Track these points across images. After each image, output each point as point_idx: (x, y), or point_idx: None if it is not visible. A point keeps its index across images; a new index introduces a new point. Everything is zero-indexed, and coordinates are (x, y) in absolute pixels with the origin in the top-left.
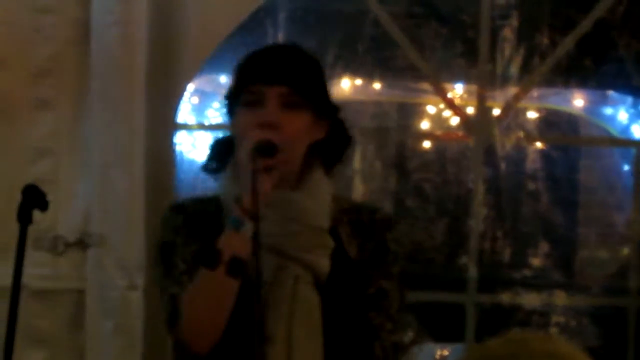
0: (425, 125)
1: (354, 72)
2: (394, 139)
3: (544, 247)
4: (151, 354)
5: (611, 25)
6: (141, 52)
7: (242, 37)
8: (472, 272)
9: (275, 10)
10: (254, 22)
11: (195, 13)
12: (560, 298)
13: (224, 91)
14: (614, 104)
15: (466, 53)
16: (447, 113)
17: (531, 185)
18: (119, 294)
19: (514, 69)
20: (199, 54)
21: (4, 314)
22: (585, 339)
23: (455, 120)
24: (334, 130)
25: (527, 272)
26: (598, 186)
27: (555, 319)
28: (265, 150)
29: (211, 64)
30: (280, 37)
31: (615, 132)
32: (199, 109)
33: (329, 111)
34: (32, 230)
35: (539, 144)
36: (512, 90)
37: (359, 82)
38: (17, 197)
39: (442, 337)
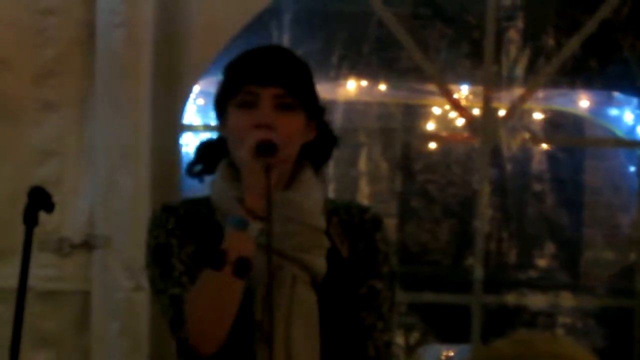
0: (430, 126)
1: (359, 74)
2: (399, 140)
3: (550, 248)
4: (157, 355)
5: (616, 26)
6: (146, 53)
7: (247, 38)
8: (478, 273)
9: (280, 12)
10: (259, 23)
11: (200, 15)
12: (566, 299)
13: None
14: (620, 105)
15: (471, 54)
16: (452, 114)
17: (537, 187)
18: (125, 295)
19: (520, 70)
20: (205, 56)
21: (10, 315)
22: (591, 340)
23: (460, 122)
24: (321, 131)
25: (532, 273)
26: (603, 187)
27: (561, 320)
28: (267, 149)
29: (217, 66)
30: (285, 39)
31: (620, 134)
32: (205, 111)
33: (319, 113)
34: (37, 232)
35: (544, 145)
36: (518, 91)
37: (364, 83)
38: (23, 199)
39: (447, 338)
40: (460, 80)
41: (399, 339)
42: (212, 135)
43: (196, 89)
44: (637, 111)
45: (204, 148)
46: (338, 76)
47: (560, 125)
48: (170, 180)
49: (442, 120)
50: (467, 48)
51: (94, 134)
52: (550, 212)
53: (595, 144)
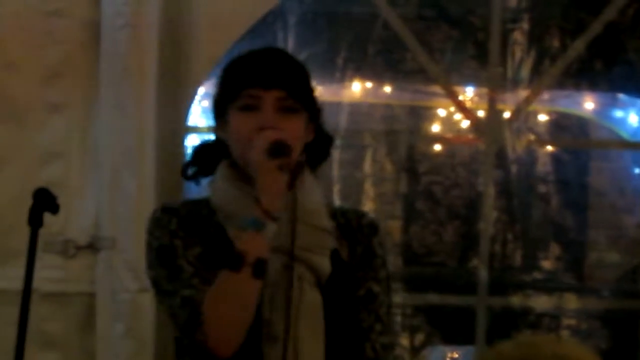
0: (435, 128)
1: (364, 75)
2: (404, 142)
3: (555, 250)
4: (161, 357)
5: (621, 28)
6: (152, 55)
7: (252, 40)
8: (483, 274)
9: (285, 14)
10: (264, 25)
11: (205, 17)
12: (571, 301)
13: None
14: (625, 107)
15: (477, 56)
16: (457, 116)
17: (541, 188)
18: (130, 296)
19: (525, 72)
20: (210, 58)
21: (15, 317)
22: (596, 342)
23: (465, 123)
24: (319, 132)
25: (537, 275)
26: (608, 189)
27: (566, 321)
28: (281, 150)
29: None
30: (290, 41)
31: (625, 135)
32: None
33: (317, 114)
34: (42, 233)
35: (549, 147)
36: (523, 93)
37: (369, 85)
38: (28, 201)
39: (452, 340)
40: (465, 82)
41: (404, 341)
42: (208, 137)
43: (201, 90)
44: None
45: (201, 150)
46: (343, 78)
47: (565, 127)
48: (175, 181)
49: (447, 122)
50: (472, 50)
51: (99, 135)
52: (555, 213)
53: (600, 145)
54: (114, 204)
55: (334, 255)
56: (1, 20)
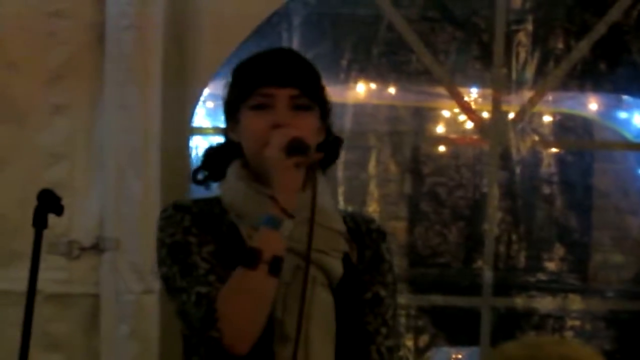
0: (440, 129)
1: (369, 76)
2: (409, 143)
3: (559, 251)
4: (167, 358)
5: (625, 29)
6: (156, 56)
7: (257, 41)
8: (487, 275)
9: (289, 15)
10: (269, 27)
11: (210, 17)
12: (575, 302)
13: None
14: (629, 108)
15: (481, 57)
16: (462, 117)
17: (546, 189)
18: (134, 298)
19: (529, 73)
20: (215, 58)
21: (19, 318)
22: (600, 343)
23: (470, 125)
24: (328, 133)
25: (542, 276)
26: (613, 190)
27: (570, 322)
28: (299, 147)
29: (227, 69)
30: (295, 42)
31: (629, 137)
32: (215, 113)
33: (329, 114)
34: (47, 234)
35: (553, 148)
36: (527, 94)
37: (373, 86)
38: (33, 202)
39: (457, 341)
40: (469, 83)
41: (409, 342)
42: (218, 140)
43: (206, 91)
44: None
45: (211, 154)
46: (347, 79)
47: (570, 128)
48: (179, 182)
49: (452, 123)
50: (476, 51)
51: (104, 136)
52: (559, 215)
53: (605, 147)
54: (118, 205)
55: (345, 258)
56: (4, 21)
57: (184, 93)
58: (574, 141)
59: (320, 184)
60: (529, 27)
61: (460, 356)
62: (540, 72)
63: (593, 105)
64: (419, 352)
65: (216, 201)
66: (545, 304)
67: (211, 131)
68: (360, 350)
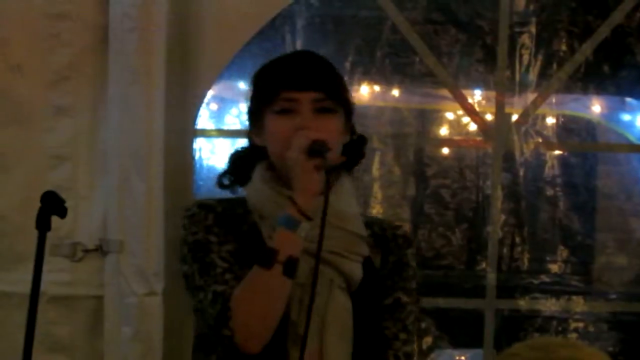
0: (443, 131)
1: (373, 79)
2: (412, 145)
3: (563, 253)
4: None
5: (629, 32)
6: (160, 57)
7: (260, 43)
8: (491, 278)
9: (293, 17)
10: (272, 28)
11: (214, 19)
12: (578, 304)
13: (243, 98)
14: (632, 111)
15: (484, 59)
16: (465, 119)
17: (549, 191)
18: (138, 300)
19: (533, 76)
20: (218, 60)
21: (23, 320)
22: (604, 345)
23: (473, 127)
24: (353, 131)
25: (545, 278)
26: (616, 192)
27: (573, 324)
28: (320, 149)
29: (230, 71)
30: (299, 44)
31: (633, 139)
32: (218, 115)
33: (352, 115)
34: (50, 236)
35: (557, 150)
36: (531, 96)
37: (377, 88)
38: (36, 204)
39: (460, 343)
40: (473, 85)
41: None
42: (242, 145)
43: (209, 93)
44: None
45: (236, 158)
46: (351, 81)
47: (573, 130)
48: (183, 184)
49: (455, 125)
50: (480, 53)
51: (107, 138)
52: (562, 217)
53: (608, 149)
54: (122, 207)
55: (367, 263)
56: (8, 22)
57: (188, 95)
58: (577, 143)
59: (345, 187)
60: (533, 29)
61: (463, 358)
62: (543, 74)
63: (596, 107)
64: (423, 354)
65: (241, 201)
66: (548, 306)
67: (215, 133)
68: (377, 354)
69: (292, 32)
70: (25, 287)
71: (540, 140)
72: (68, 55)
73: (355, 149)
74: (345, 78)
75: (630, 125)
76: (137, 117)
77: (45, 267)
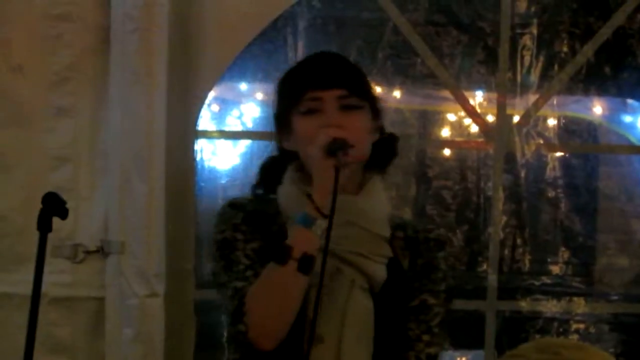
0: (445, 132)
1: (374, 80)
2: (414, 146)
3: (564, 254)
4: None
5: (630, 33)
6: (161, 59)
7: (262, 45)
8: (492, 279)
9: (294, 18)
10: (274, 30)
11: (215, 21)
12: (579, 305)
13: (244, 99)
14: (634, 112)
15: (486, 61)
16: (467, 121)
17: (551, 193)
18: (139, 301)
19: (534, 77)
20: (220, 62)
21: (24, 321)
22: (605, 347)
23: (475, 128)
24: (383, 130)
25: (546, 280)
26: (617, 194)
27: (574, 326)
28: (339, 147)
29: (231, 72)
30: (300, 45)
31: (634, 140)
32: (220, 117)
33: (379, 111)
34: (51, 238)
35: (558, 152)
36: (532, 97)
37: (378, 89)
38: (37, 205)
39: (462, 344)
40: (474, 86)
41: None
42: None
43: (211, 95)
44: None
45: (266, 167)
46: None
47: (574, 131)
48: (184, 186)
49: (457, 126)
50: (481, 55)
51: (108, 139)
52: (564, 218)
53: (610, 150)
54: (123, 208)
55: (394, 265)
56: (9, 23)
57: (189, 96)
58: (578, 145)
59: (375, 187)
60: (534, 31)
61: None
62: (545, 75)
63: (598, 108)
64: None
65: (274, 201)
66: (550, 307)
67: (216, 134)
68: (399, 356)
69: (293, 33)
70: (27, 289)
71: (541, 141)
72: (69, 56)
73: (386, 147)
74: None
75: (631, 126)
76: (138, 118)
77: (46, 269)
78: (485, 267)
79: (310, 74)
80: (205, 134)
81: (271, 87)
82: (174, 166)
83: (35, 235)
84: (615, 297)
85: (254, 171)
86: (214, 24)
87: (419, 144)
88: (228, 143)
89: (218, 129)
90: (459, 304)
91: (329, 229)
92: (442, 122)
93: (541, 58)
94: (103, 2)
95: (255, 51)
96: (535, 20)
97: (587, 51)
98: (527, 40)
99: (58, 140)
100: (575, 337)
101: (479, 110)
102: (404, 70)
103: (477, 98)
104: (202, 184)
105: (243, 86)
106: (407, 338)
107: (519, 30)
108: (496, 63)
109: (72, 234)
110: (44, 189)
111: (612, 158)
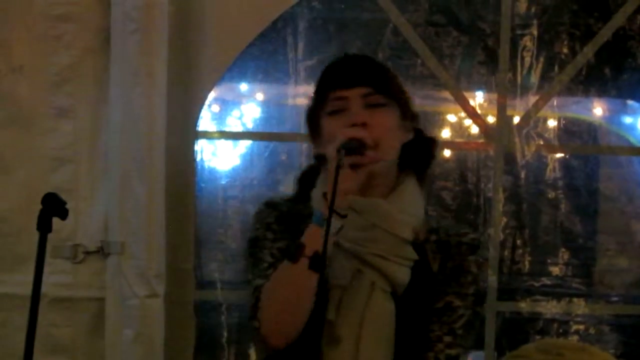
0: (445, 133)
1: None
2: None
3: (564, 255)
4: None
5: (630, 34)
6: (161, 60)
7: (262, 45)
8: (492, 280)
9: (294, 19)
10: (274, 31)
11: (215, 22)
12: (580, 306)
13: (245, 99)
14: (634, 113)
15: (486, 62)
16: (467, 121)
17: (551, 194)
18: (139, 302)
19: (534, 78)
20: (220, 62)
21: (24, 322)
22: (605, 348)
23: (475, 129)
24: (418, 134)
25: (546, 281)
26: (617, 195)
27: (574, 327)
28: (353, 147)
29: (232, 72)
30: (300, 46)
31: (635, 141)
32: (220, 117)
33: (412, 112)
34: (51, 238)
35: (558, 153)
36: (532, 98)
37: None
38: (37, 206)
39: None
40: (474, 87)
41: None
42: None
43: (211, 95)
44: None
45: (301, 179)
46: None
47: (575, 132)
48: (184, 186)
49: (457, 127)
50: (481, 56)
51: (108, 140)
52: (564, 219)
53: (610, 151)
54: (123, 209)
55: (423, 267)
56: (10, 24)
57: (189, 97)
58: (579, 146)
59: (408, 189)
60: (534, 32)
61: None
62: (545, 76)
63: (598, 110)
64: None
65: (309, 203)
66: (550, 308)
67: (216, 135)
68: (418, 357)
69: (293, 34)
70: (26, 289)
71: (541, 142)
72: (69, 57)
73: (422, 149)
74: None
75: (631, 127)
76: (138, 118)
77: (46, 269)
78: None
79: (334, 75)
80: (206, 135)
81: (271, 88)
82: (174, 167)
83: (35, 236)
84: (615, 299)
85: (254, 172)
86: (214, 24)
87: None
88: (228, 143)
89: (218, 129)
90: None
91: (327, 228)
92: (442, 123)
93: (541, 59)
94: (103, 2)
95: (256, 52)
96: (535, 21)
97: (588, 52)
98: (527, 41)
99: (58, 141)
100: (575, 338)
101: (479, 111)
102: (404, 71)
103: (477, 99)
104: (202, 185)
105: (243, 87)
106: (427, 339)
107: (519, 31)
108: (496, 64)
109: (72, 235)
110: (44, 190)
111: (613, 159)
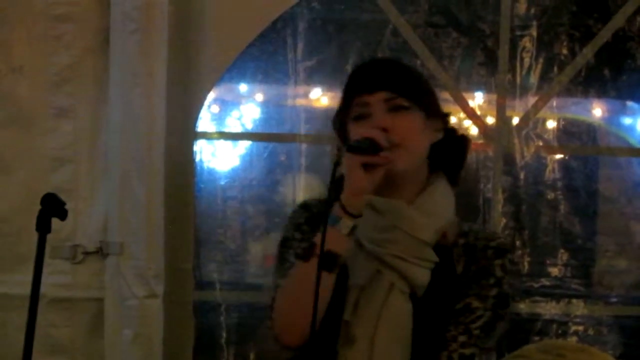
0: None
1: None
2: None
3: (563, 256)
4: None
5: (630, 35)
6: (161, 60)
7: (261, 46)
8: None
9: (294, 20)
10: (274, 31)
11: (215, 22)
12: (579, 307)
13: (244, 100)
14: (633, 114)
15: (486, 63)
16: (466, 122)
17: (550, 195)
18: (138, 302)
19: (534, 79)
20: (219, 63)
21: (23, 322)
22: (604, 349)
23: (474, 130)
24: (449, 134)
25: (545, 282)
26: (617, 196)
27: (574, 328)
28: (364, 146)
29: (231, 73)
30: (300, 47)
31: (634, 142)
32: (219, 118)
33: (440, 113)
34: (51, 239)
35: (558, 154)
36: (532, 99)
37: None
38: (36, 206)
39: None
40: (474, 88)
41: None
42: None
43: (210, 96)
44: None
45: (335, 182)
46: None
47: (574, 133)
48: (184, 187)
49: (457, 128)
50: (481, 56)
51: (108, 140)
52: (563, 220)
53: (609, 152)
54: (122, 209)
55: (447, 269)
56: (9, 24)
57: (189, 97)
58: (578, 147)
59: (438, 190)
60: (534, 33)
61: None
62: (544, 77)
63: (597, 110)
64: None
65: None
66: (549, 309)
67: (216, 136)
68: (431, 355)
69: (293, 34)
70: (26, 289)
71: (540, 143)
72: (69, 57)
73: (451, 148)
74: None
75: (631, 128)
76: (138, 119)
77: (45, 270)
78: None
79: (358, 80)
80: (205, 135)
81: (271, 88)
82: (174, 167)
83: (34, 236)
84: (614, 300)
85: (254, 172)
86: (213, 24)
87: None
88: (228, 144)
89: (218, 130)
90: None
91: (325, 228)
92: None
93: (541, 60)
94: (103, 2)
95: (255, 52)
96: (534, 22)
97: (587, 53)
98: (526, 42)
99: (58, 141)
100: (574, 339)
101: (478, 112)
102: None
103: (477, 100)
104: (202, 185)
105: (243, 87)
106: (442, 338)
107: (518, 32)
108: (496, 65)
109: (72, 235)
110: (44, 190)
111: (612, 160)
